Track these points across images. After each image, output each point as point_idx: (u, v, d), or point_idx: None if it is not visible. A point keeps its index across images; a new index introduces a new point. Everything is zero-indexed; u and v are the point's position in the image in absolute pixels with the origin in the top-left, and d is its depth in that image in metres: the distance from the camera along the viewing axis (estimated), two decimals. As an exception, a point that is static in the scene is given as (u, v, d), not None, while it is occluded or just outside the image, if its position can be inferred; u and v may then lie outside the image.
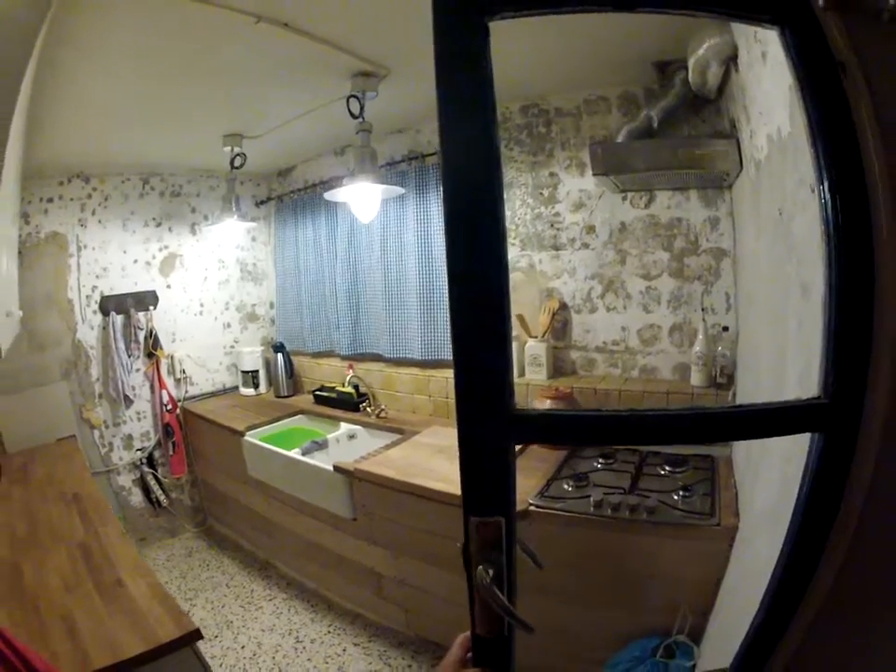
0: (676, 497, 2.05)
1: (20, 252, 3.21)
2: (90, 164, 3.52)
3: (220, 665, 2.86)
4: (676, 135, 2.43)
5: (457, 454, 2.47)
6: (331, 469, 2.78)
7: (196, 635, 1.60)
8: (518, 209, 3.00)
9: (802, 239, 1.14)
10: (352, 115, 2.39)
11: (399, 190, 2.67)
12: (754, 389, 1.94)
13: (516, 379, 2.77)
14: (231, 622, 3.21)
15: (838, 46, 0.74)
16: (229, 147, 3.18)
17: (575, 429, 0.90)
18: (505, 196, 2.77)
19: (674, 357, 2.69)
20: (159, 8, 1.74)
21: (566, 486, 2.24)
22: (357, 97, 2.37)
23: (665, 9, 0.74)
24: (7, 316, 2.23)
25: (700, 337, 2.51)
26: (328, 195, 2.60)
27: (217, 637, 3.08)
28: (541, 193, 2.92)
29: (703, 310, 2.55)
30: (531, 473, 2.41)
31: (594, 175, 2.43)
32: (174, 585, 3.60)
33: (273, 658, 2.89)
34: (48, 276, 3.50)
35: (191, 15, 1.78)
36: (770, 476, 1.47)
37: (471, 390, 0.78)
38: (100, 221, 3.72)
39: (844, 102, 0.75)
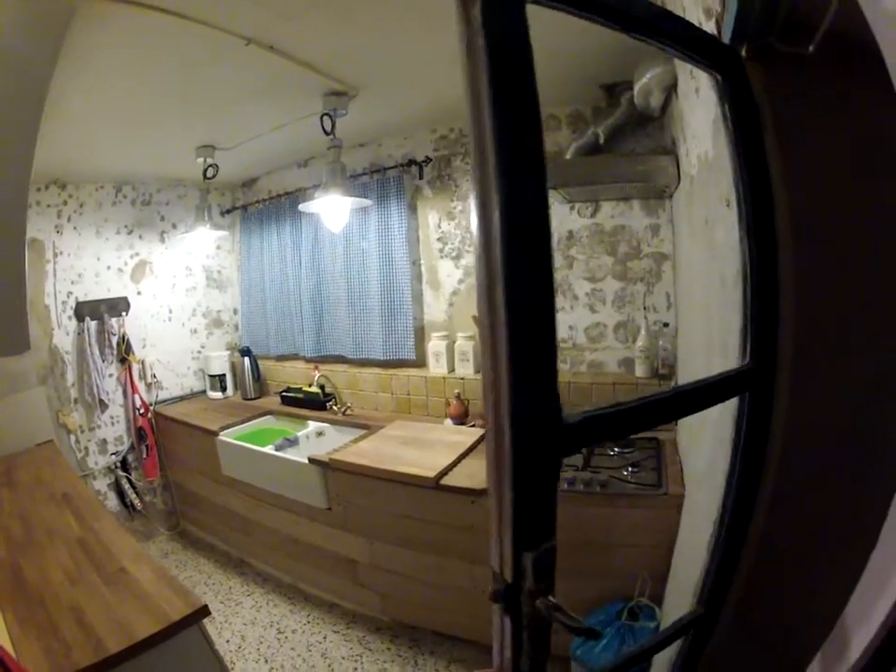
0: (625, 473, 2.28)
1: None
2: (66, 171, 3.56)
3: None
4: (621, 151, 2.64)
5: (422, 444, 2.79)
6: (306, 461, 2.95)
7: (204, 611, 1.66)
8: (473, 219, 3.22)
9: (721, 242, 1.35)
10: (325, 131, 2.56)
11: (367, 202, 2.87)
12: (691, 374, 2.16)
13: (472, 375, 3.09)
14: (213, 618, 3.25)
15: (756, 90, 0.94)
16: (202, 158, 3.30)
17: (615, 423, 0.83)
18: (461, 207, 3.07)
19: (619, 352, 2.94)
20: (151, 27, 1.83)
21: None
22: (329, 115, 2.54)
23: (647, 39, 0.87)
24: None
25: (643, 333, 2.76)
26: (302, 206, 2.78)
27: None
28: None
29: (645, 308, 2.80)
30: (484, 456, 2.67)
31: None
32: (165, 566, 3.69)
33: (258, 649, 2.99)
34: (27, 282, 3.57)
35: (183, 35, 1.88)
36: (705, 442, 1.69)
37: (526, 406, 0.68)
38: (75, 228, 3.78)
39: (757, 135, 0.96)
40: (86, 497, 2.67)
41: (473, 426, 3.17)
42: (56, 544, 2.14)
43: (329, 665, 2.83)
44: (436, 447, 2.85)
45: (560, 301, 3.03)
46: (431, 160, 3.31)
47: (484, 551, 2.37)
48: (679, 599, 1.78)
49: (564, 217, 2.96)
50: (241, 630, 3.18)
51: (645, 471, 2.29)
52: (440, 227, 3.41)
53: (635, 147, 2.64)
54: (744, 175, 0.98)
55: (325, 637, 3.03)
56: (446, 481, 2.48)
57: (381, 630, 3.02)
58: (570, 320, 3.04)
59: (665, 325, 2.74)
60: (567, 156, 2.65)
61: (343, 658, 2.87)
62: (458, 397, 3.27)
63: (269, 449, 3.28)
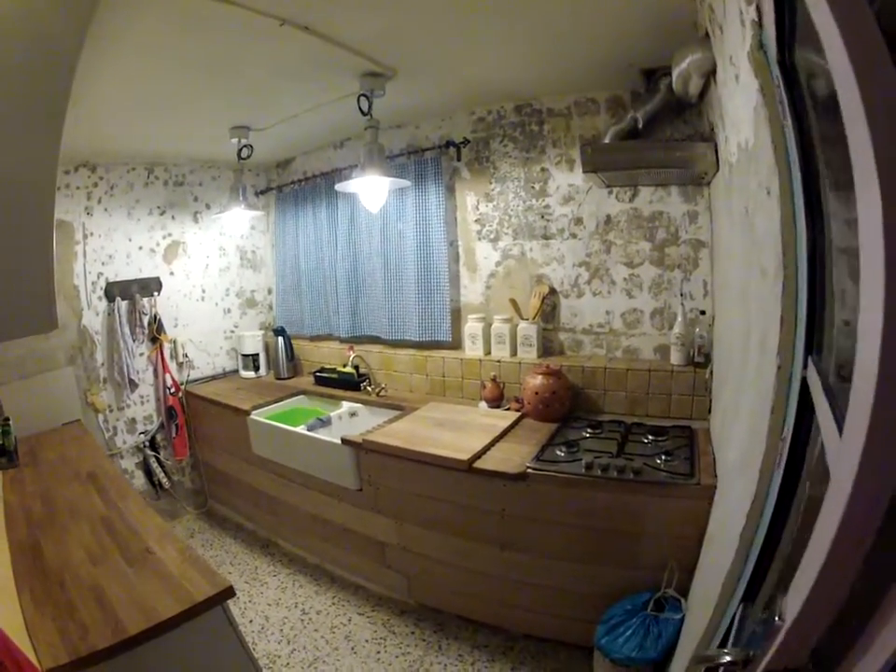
0: (658, 461, 2.30)
1: None
2: (96, 154, 3.65)
3: None
4: (659, 137, 2.64)
5: (456, 425, 2.81)
6: (339, 441, 3.00)
7: (229, 592, 1.66)
8: (511, 201, 3.27)
9: (762, 232, 1.36)
10: (362, 112, 2.58)
11: (406, 183, 2.87)
12: (726, 364, 2.16)
13: (509, 358, 3.15)
14: (238, 598, 3.30)
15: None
16: (236, 139, 3.35)
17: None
18: (499, 189, 3.13)
19: (655, 339, 2.97)
20: (186, 8, 1.86)
21: (558, 452, 2.49)
22: (366, 96, 2.57)
23: None
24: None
25: (679, 320, 2.78)
26: (339, 186, 2.80)
27: None
28: (533, 187, 3.18)
29: (682, 295, 2.82)
30: (525, 441, 2.69)
31: (583, 171, 2.64)
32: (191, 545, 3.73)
33: (281, 630, 3.03)
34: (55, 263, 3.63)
35: (218, 15, 1.90)
36: (738, 433, 1.70)
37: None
38: (105, 209, 3.85)
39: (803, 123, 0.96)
40: (112, 475, 2.70)
41: (508, 409, 3.21)
42: (79, 524, 2.15)
43: (353, 648, 2.87)
44: (470, 430, 2.90)
45: (597, 285, 3.08)
46: (469, 141, 3.33)
47: (515, 536, 2.40)
48: (706, 592, 1.79)
49: (602, 200, 3.00)
50: (265, 611, 3.23)
51: (678, 460, 2.30)
52: (477, 208, 3.44)
53: (672, 134, 2.64)
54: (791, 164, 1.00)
55: (349, 620, 3.07)
56: (479, 464, 2.51)
57: (406, 613, 3.07)
58: (607, 305, 3.07)
59: (702, 312, 2.76)
60: (606, 140, 2.66)
61: (367, 641, 2.91)
62: (494, 379, 3.31)
63: (301, 429, 3.33)
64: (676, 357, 2.83)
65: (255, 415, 3.63)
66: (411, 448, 2.71)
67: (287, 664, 2.80)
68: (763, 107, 1.21)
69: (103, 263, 3.88)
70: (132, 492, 2.49)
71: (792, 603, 0.77)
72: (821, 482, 0.86)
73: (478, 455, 2.56)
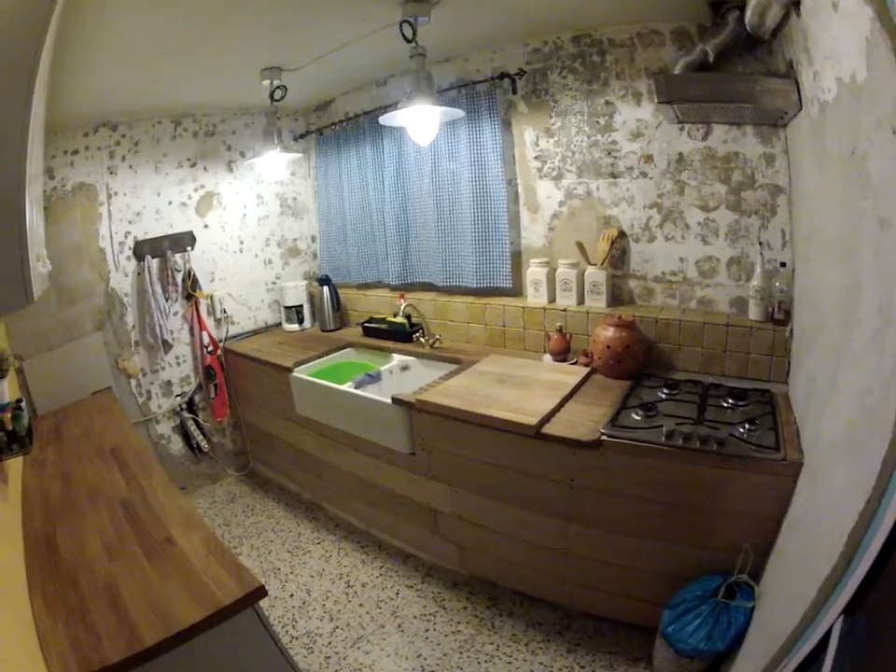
0: (742, 430, 2.15)
1: (45, 207, 3.24)
2: (116, 112, 3.60)
3: (269, 617, 2.94)
4: (732, 71, 2.48)
5: (519, 382, 2.60)
6: (389, 401, 2.89)
7: (260, 592, 1.57)
8: (574, 136, 3.09)
9: (879, 177, 1.24)
10: (406, 39, 2.41)
11: (460, 113, 2.69)
12: (816, 325, 2.00)
13: (575, 307, 3.04)
14: (279, 568, 3.32)
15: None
16: (268, 81, 3.22)
17: None
18: (560, 124, 2.98)
19: (731, 291, 2.80)
20: None
21: (634, 416, 2.36)
22: (409, 22, 2.39)
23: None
24: (37, 260, 2.24)
25: (758, 271, 2.61)
26: (384, 118, 2.62)
27: (263, 585, 3.12)
28: (597, 121, 3.00)
29: (760, 244, 2.65)
30: (597, 402, 2.57)
31: (658, 102, 2.47)
32: (217, 534, 3.65)
33: (324, 605, 2.98)
34: (76, 228, 3.57)
35: None
36: (840, 408, 1.55)
37: None
38: (131, 167, 3.78)
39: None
40: (137, 449, 2.66)
41: (575, 363, 3.08)
42: (98, 509, 2.09)
43: (399, 626, 2.81)
44: (534, 387, 2.77)
45: (670, 229, 2.91)
46: (525, 72, 3.16)
47: (583, 509, 2.30)
48: (784, 580, 1.71)
49: (673, 137, 2.82)
50: (307, 583, 3.19)
51: (761, 430, 2.14)
52: (537, 144, 3.27)
53: (744, 70, 2.48)
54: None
55: (397, 593, 3.02)
56: (548, 429, 2.38)
57: (458, 586, 3.01)
58: (680, 251, 2.90)
59: (782, 265, 2.58)
60: (676, 71, 2.48)
61: (415, 617, 2.85)
62: (560, 330, 3.16)
63: (348, 387, 3.24)
64: (754, 313, 2.65)
65: (297, 372, 3.56)
66: (470, 410, 2.58)
67: (329, 643, 2.75)
68: (882, 36, 1.10)
69: (130, 222, 3.82)
70: (156, 468, 2.44)
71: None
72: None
73: (546, 419, 2.43)
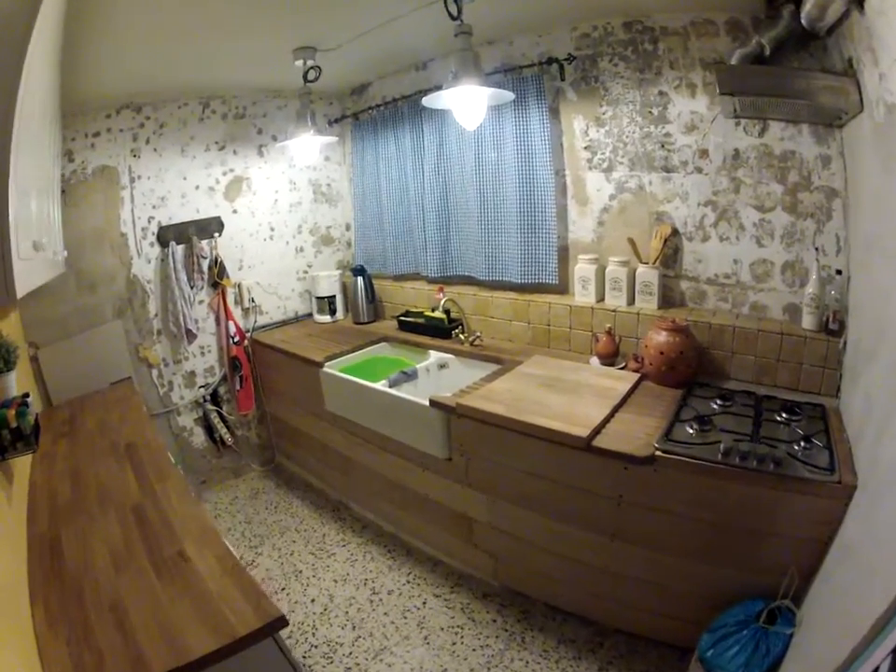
0: (797, 448, 2.04)
1: (63, 191, 3.22)
2: (139, 93, 3.53)
3: (288, 622, 2.85)
4: (788, 66, 2.37)
5: (567, 386, 2.45)
6: (427, 403, 2.78)
7: (280, 622, 1.45)
8: (626, 126, 2.97)
9: None
10: (451, 16, 2.25)
11: (510, 95, 2.50)
12: (877, 338, 1.87)
13: (625, 308, 2.94)
14: (301, 571, 3.24)
15: None
16: (301, 61, 3.12)
17: None
18: (611, 113, 2.89)
19: (784, 297, 2.67)
20: None
21: (689, 429, 2.23)
22: None
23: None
24: (53, 256, 2.17)
25: (813, 278, 2.48)
26: (426, 100, 2.43)
27: (283, 589, 3.13)
28: (650, 112, 2.88)
29: (816, 250, 2.52)
30: (648, 411, 2.45)
31: (719, 93, 2.37)
32: (237, 532, 3.67)
33: (347, 613, 2.89)
34: (96, 212, 3.51)
35: None
36: None
37: None
38: (155, 150, 3.71)
39: None
40: (153, 447, 2.58)
41: (624, 367, 2.94)
42: (107, 513, 2.00)
43: (425, 638, 2.71)
44: (583, 392, 2.64)
45: (724, 228, 2.77)
46: (574, 58, 3.02)
47: (629, 527, 2.20)
48: (830, 609, 1.61)
49: (729, 132, 2.68)
50: (329, 588, 3.10)
51: (816, 449, 2.02)
52: (587, 134, 3.14)
53: (800, 66, 2.36)
54: None
55: (424, 603, 2.93)
56: (599, 441, 2.24)
57: (488, 597, 2.91)
58: (735, 253, 2.76)
59: (838, 272, 2.45)
60: (732, 63, 2.39)
61: (442, 629, 2.75)
62: (609, 332, 3.02)
63: (381, 385, 3.14)
64: (808, 321, 2.52)
65: (328, 367, 3.47)
66: (516, 418, 2.44)
67: (350, 653, 2.67)
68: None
69: (154, 206, 3.76)
70: (172, 470, 2.35)
71: None
72: None
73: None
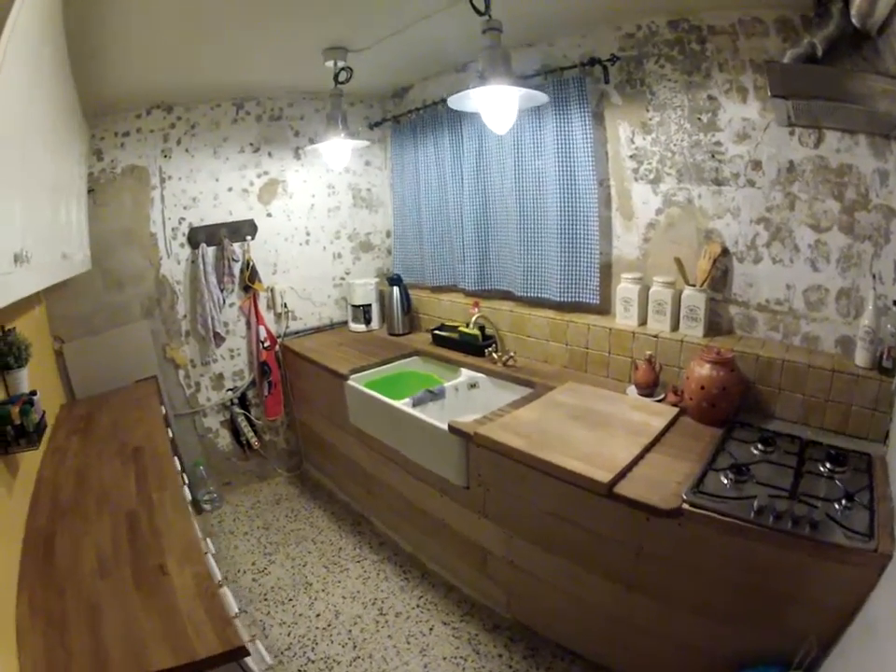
0: (837, 508, 1.81)
1: (92, 190, 3.25)
2: (171, 93, 3.50)
3: (288, 635, 2.84)
4: (841, 68, 2.17)
5: (598, 419, 2.22)
6: (446, 428, 2.64)
7: (240, 652, 1.43)
8: (674, 134, 2.76)
9: None
10: (476, 11, 2.06)
11: (543, 97, 2.30)
12: None
13: (668, 334, 2.74)
14: (311, 583, 3.19)
15: None
16: (331, 62, 3.04)
17: None
18: (658, 119, 2.73)
19: (838, 328, 2.42)
20: None
21: (723, 480, 2.02)
22: None
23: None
24: (63, 258, 2.16)
25: (870, 308, 2.23)
26: (452, 100, 2.24)
27: (290, 600, 3.09)
28: (699, 118, 2.66)
29: (873, 277, 2.27)
30: (682, 454, 2.23)
31: (771, 96, 2.19)
32: (254, 538, 3.65)
33: (350, 631, 2.83)
34: (125, 211, 3.54)
35: None
36: None
37: None
38: (187, 150, 3.71)
39: None
40: (161, 452, 2.59)
41: (662, 399, 2.72)
42: (103, 516, 2.05)
43: (426, 666, 2.62)
44: (614, 427, 2.44)
45: (778, 249, 2.53)
46: (619, 58, 2.83)
47: (647, 579, 2.00)
48: None
49: (783, 142, 2.44)
50: (337, 604, 3.05)
51: (857, 509, 1.80)
52: (633, 142, 2.94)
53: (854, 68, 2.15)
54: None
55: (431, 629, 2.84)
56: (622, 487, 2.02)
57: (498, 629, 2.80)
58: (788, 277, 2.52)
59: (895, 303, 2.18)
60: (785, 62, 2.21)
61: (444, 658, 2.65)
62: (650, 360, 2.77)
63: (404, 404, 3.01)
64: (861, 357, 2.26)
65: (353, 381, 3.38)
66: (535, 454, 2.25)
67: None
68: None
69: (185, 207, 3.76)
70: (173, 478, 2.36)
71: None
72: None
73: (621, 475, 2.07)
